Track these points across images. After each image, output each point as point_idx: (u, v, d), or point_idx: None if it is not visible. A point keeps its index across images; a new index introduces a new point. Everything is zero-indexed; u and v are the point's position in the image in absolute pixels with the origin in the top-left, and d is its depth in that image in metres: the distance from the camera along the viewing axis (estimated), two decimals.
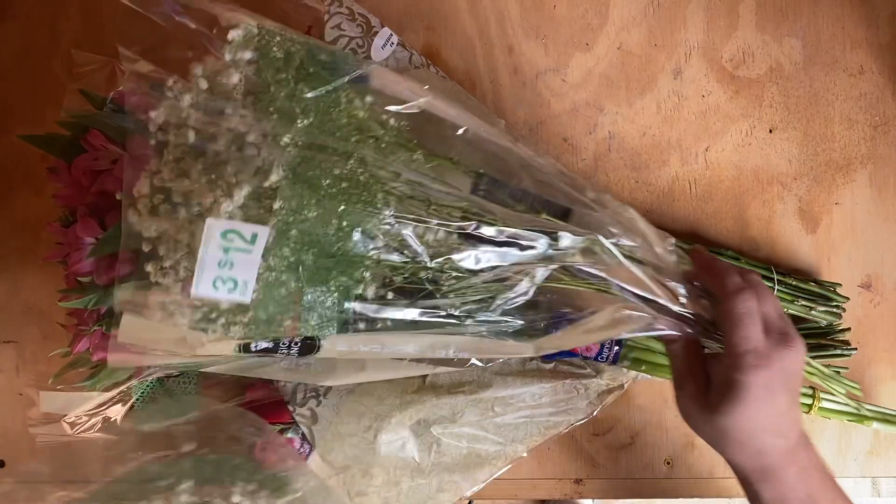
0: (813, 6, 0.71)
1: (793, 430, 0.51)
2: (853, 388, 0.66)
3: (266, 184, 0.44)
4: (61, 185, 0.57)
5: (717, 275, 0.53)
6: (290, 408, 0.59)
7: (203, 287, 0.42)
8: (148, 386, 0.57)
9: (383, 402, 0.60)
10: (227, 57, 0.46)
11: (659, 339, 0.56)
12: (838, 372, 0.67)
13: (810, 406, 0.65)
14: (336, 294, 0.47)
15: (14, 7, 0.69)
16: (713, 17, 0.71)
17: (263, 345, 0.50)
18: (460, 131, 0.53)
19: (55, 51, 0.69)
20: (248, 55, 0.47)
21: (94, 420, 0.57)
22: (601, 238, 0.52)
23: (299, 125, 0.46)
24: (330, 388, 0.60)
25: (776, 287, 0.67)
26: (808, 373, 0.62)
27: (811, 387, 0.66)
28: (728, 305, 0.50)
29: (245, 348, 0.50)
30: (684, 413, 0.53)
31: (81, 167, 0.54)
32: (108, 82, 0.58)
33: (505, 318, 0.51)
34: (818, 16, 0.71)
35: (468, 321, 0.50)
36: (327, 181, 0.46)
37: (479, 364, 0.54)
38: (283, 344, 0.50)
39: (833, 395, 0.64)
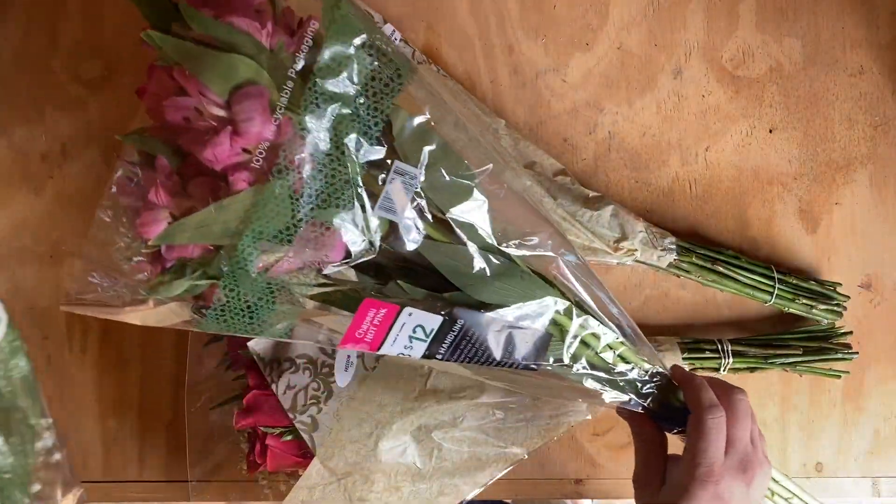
0: (813, 6, 0.71)
1: None
2: None
3: None
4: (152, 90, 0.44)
5: (693, 388, 0.55)
6: (291, 415, 0.59)
7: None
8: None
9: (384, 408, 0.60)
10: None
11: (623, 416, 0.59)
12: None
13: None
14: None
15: (14, 7, 0.69)
16: (713, 17, 0.71)
17: None
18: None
19: (55, 51, 0.69)
20: None
21: None
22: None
23: None
24: (330, 394, 0.60)
25: (776, 286, 0.67)
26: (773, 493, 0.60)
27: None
28: (696, 417, 0.52)
29: None
30: None
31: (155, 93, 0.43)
32: None
33: None
34: (818, 16, 0.71)
35: None
36: None
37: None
38: None
39: None
